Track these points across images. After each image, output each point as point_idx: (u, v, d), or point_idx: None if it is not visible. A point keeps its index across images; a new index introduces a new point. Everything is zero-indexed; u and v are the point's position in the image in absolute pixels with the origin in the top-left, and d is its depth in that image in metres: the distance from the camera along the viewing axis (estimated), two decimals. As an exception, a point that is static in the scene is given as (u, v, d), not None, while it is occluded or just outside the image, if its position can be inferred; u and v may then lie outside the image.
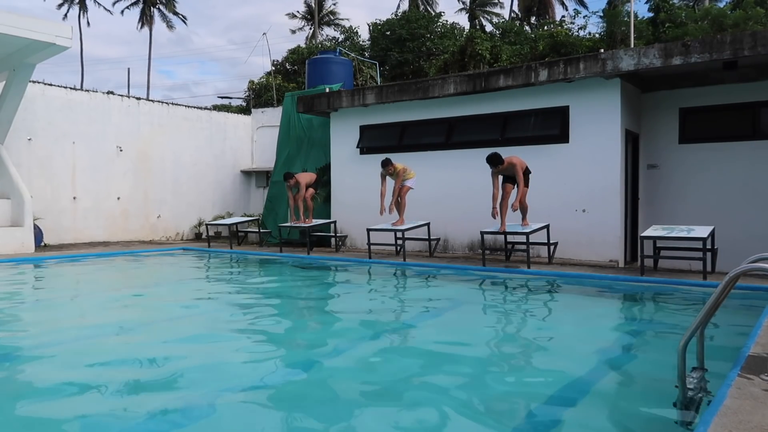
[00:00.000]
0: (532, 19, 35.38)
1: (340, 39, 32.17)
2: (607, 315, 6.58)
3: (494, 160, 8.96)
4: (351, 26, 33.35)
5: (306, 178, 11.75)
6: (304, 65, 19.29)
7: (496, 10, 39.59)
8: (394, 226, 10.48)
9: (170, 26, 49.15)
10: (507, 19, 35.85)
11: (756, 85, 9.31)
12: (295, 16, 43.47)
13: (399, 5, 39.55)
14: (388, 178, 10.55)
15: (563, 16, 32.58)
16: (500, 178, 9.24)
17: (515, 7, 37.71)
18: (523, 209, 9.34)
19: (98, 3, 48.13)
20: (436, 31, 27.49)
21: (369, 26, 28.46)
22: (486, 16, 39.07)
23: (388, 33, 27.11)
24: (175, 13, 48.76)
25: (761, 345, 3.71)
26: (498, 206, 9.21)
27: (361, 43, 30.46)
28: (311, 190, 11.83)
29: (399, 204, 10.60)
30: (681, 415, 3.11)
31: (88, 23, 48.72)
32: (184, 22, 52.58)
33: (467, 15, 39.70)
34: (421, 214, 10.89)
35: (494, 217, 9.24)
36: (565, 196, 9.90)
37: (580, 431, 3.12)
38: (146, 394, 3.60)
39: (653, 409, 3.38)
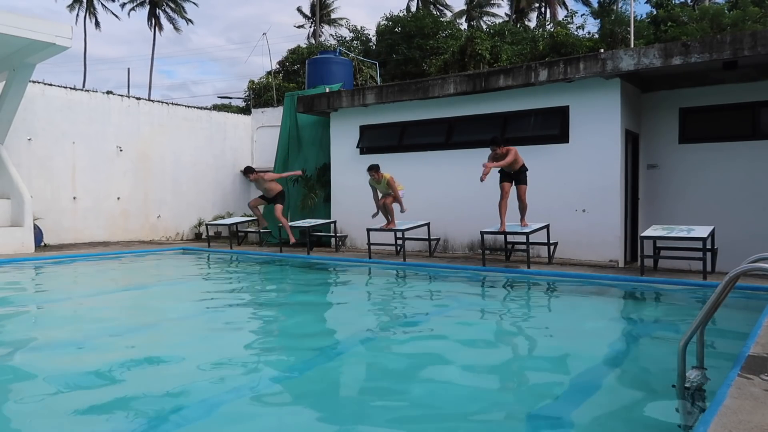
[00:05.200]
0: (528, 20, 35.34)
1: (347, 38, 32.03)
2: (607, 315, 6.58)
3: (494, 141, 9.10)
4: (362, 27, 33.22)
5: (271, 177, 11.91)
6: (304, 65, 19.27)
7: (493, 9, 39.63)
8: (391, 228, 10.55)
9: (176, 28, 49.46)
10: (505, 19, 35.82)
11: (756, 85, 9.31)
12: (301, 12, 43.65)
13: (411, 5, 39.59)
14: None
15: (565, 16, 32.56)
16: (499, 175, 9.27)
17: (509, 10, 37.73)
18: (523, 208, 9.36)
19: (106, 7, 48.21)
20: (442, 29, 27.44)
21: (381, 19, 28.59)
22: (483, 18, 39.06)
23: (391, 28, 27.02)
24: (183, 17, 48.89)
25: (761, 345, 3.71)
26: (499, 206, 9.24)
27: (368, 43, 30.35)
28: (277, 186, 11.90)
29: (386, 209, 10.64)
30: (681, 416, 3.12)
31: (97, 24, 48.62)
32: (192, 22, 53.08)
33: (464, 17, 39.68)
34: (420, 214, 10.89)
35: (484, 168, 8.91)
36: (565, 196, 9.89)
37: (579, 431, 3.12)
38: (144, 394, 3.60)
39: (653, 409, 3.38)
